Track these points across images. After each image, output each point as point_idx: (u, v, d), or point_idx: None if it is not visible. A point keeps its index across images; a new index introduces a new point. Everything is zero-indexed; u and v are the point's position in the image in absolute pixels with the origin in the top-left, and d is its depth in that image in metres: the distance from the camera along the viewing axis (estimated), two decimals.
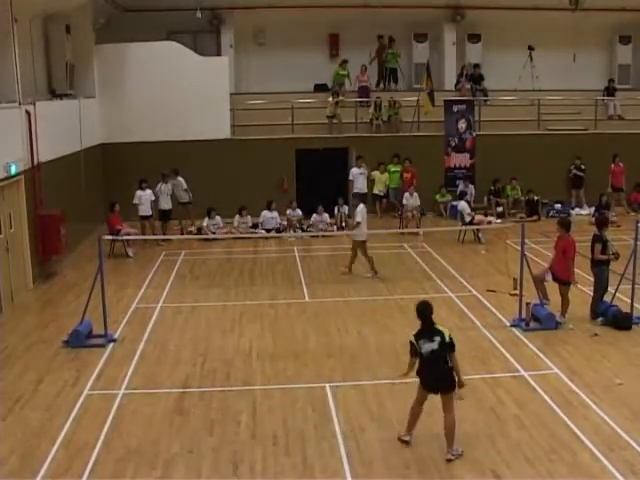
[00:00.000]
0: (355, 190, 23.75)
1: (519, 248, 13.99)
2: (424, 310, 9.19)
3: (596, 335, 13.14)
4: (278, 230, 22.13)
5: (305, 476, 8.71)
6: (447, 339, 8.99)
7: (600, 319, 13.74)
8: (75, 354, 12.65)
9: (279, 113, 24.42)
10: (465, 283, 16.71)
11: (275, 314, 14.87)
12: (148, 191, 21.39)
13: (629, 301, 13.82)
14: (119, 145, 23.59)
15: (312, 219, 22.73)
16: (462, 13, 27.37)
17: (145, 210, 21.33)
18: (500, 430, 9.66)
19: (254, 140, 24.44)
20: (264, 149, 24.20)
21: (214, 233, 21.81)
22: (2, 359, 12.48)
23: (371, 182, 23.99)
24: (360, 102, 25.99)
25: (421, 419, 9.72)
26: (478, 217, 21.32)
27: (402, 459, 8.99)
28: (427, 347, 9.01)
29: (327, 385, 11.19)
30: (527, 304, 13.75)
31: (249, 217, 22.34)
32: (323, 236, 22.06)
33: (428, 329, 9.12)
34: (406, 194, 22.90)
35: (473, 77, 26.99)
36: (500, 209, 24.21)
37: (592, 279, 14.26)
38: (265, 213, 22.43)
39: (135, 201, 21.19)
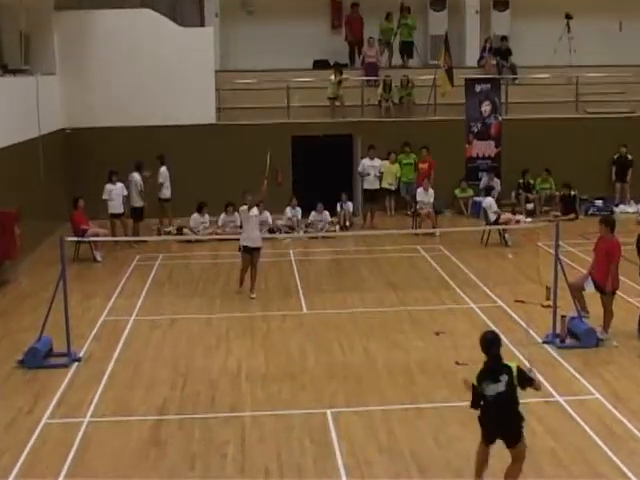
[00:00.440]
0: (365, 186, 23.78)
1: (553, 252, 13.99)
2: (491, 343, 8.65)
3: None
4: (272, 231, 22.08)
5: None
6: (515, 374, 8.47)
7: None
8: (32, 376, 12.62)
9: (272, 94, 24.48)
10: (489, 292, 16.73)
11: (268, 328, 14.88)
12: (119, 185, 21.37)
13: None
14: (84, 130, 23.63)
15: (311, 218, 22.73)
16: None
17: (116, 207, 21.32)
18: (532, 465, 9.59)
19: (243, 125, 24.48)
20: (255, 136, 24.16)
21: (197, 233, 21.80)
22: None
23: (380, 174, 23.94)
24: (367, 81, 26.03)
25: (438, 451, 9.72)
26: (505, 216, 21.36)
27: None
28: (492, 389, 8.48)
29: (328, 411, 11.18)
30: (562, 317, 13.74)
31: (237, 214, 22.31)
32: (323, 237, 22.06)
33: (494, 367, 8.55)
34: (419, 189, 22.91)
35: (499, 51, 27.04)
36: (530, 206, 24.24)
37: None
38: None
39: (104, 196, 21.19)
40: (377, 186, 23.81)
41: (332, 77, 25.02)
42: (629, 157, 25.11)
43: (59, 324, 13.16)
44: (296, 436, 10.50)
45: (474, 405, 8.68)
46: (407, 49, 27.30)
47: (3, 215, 17.40)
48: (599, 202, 24.71)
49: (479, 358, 12.96)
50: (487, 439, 8.74)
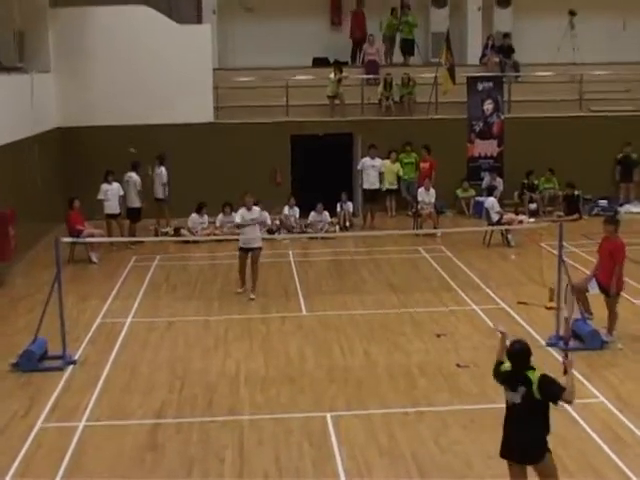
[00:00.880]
0: (365, 186, 23.78)
1: (556, 252, 13.99)
2: (519, 353, 7.97)
3: None
4: (270, 231, 22.08)
5: None
6: (535, 387, 7.74)
7: None
8: (26, 379, 12.62)
9: (271, 92, 24.50)
10: (492, 294, 16.73)
11: (267, 330, 14.87)
12: (115, 185, 21.39)
13: None
14: (80, 129, 23.64)
15: (310, 218, 22.73)
16: None
17: (112, 207, 21.34)
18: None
19: (242, 124, 24.49)
20: (254, 135, 24.23)
21: (195, 234, 21.81)
22: None
23: (380, 174, 23.92)
24: (367, 79, 26.04)
25: (439, 455, 9.72)
26: (507, 216, 21.37)
27: None
28: (510, 396, 7.97)
29: (328, 414, 11.18)
30: (566, 319, 13.71)
31: (234, 215, 22.29)
32: (323, 238, 22.07)
33: (515, 374, 7.94)
34: (421, 189, 22.92)
35: (502, 49, 27.06)
36: (534, 206, 24.23)
37: None
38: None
39: (100, 196, 21.21)
40: (377, 186, 23.81)
41: (332, 75, 25.03)
42: (634, 156, 25.13)
43: (54, 326, 13.16)
44: (295, 440, 10.50)
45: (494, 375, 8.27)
46: (408, 47, 27.29)
47: None
48: (603, 202, 24.69)
49: (480, 360, 13.05)
50: (503, 449, 8.09)
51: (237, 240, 20.48)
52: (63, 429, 10.93)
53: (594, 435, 10.44)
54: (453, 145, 24.39)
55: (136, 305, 16.55)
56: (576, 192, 24.20)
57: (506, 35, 27.33)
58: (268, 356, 13.57)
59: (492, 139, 25.07)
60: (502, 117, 25.05)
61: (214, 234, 21.85)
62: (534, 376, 7.77)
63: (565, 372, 7.95)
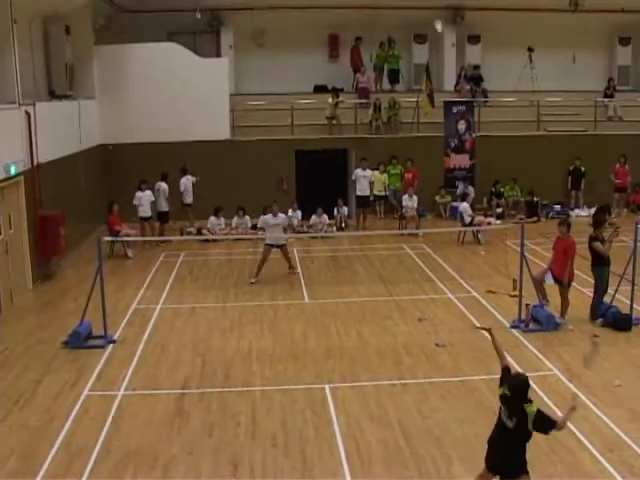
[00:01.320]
0: (357, 193, 23.78)
1: (519, 249, 14.00)
2: (518, 387, 7.23)
3: (596, 336, 13.12)
4: None
5: (305, 477, 8.71)
6: (531, 420, 7.10)
7: (600, 320, 13.75)
8: (75, 355, 12.65)
9: (279, 114, 24.42)
10: (465, 284, 16.72)
11: (275, 315, 14.87)
12: (147, 192, 21.41)
13: (629, 302, 13.83)
14: (119, 146, 23.58)
15: (311, 220, 22.72)
16: (462, 14, 27.34)
17: (145, 211, 21.35)
18: None
19: (254, 141, 24.43)
20: (264, 150, 24.18)
21: (213, 234, 21.81)
22: (1, 360, 12.48)
23: (370, 183, 23.91)
24: (360, 103, 26.00)
25: (421, 421, 9.77)
26: (478, 218, 21.36)
27: (402, 460, 8.99)
28: (504, 417, 7.29)
29: (327, 386, 11.19)
30: (527, 305, 13.76)
31: (247, 218, 22.34)
32: (322, 237, 22.07)
33: (513, 405, 7.20)
34: (405, 196, 22.92)
35: (473, 78, 27.00)
36: (500, 210, 24.21)
37: (592, 280, 14.27)
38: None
39: (135, 202, 21.21)
40: (368, 193, 23.81)
41: (330, 100, 25.01)
42: (582, 169, 25.10)
43: (97, 311, 13.18)
44: (299, 408, 10.52)
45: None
46: (394, 76, 27.26)
47: (50, 218, 17.40)
48: (557, 207, 24.67)
49: (456, 340, 13.11)
50: (487, 460, 7.52)
51: (250, 239, 20.62)
52: (105, 397, 10.96)
53: (548, 401, 10.45)
54: (432, 158, 24.31)
55: (165, 294, 16.54)
56: (535, 198, 24.21)
57: (476, 67, 27.24)
58: (276, 337, 13.58)
59: (465, 153, 25.00)
60: (473, 135, 24.99)
61: (230, 234, 21.89)
62: (530, 410, 7.13)
63: (572, 409, 7.33)
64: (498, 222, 22.80)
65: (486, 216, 22.45)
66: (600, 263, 13.93)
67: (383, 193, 24.39)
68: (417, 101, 24.87)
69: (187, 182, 22.49)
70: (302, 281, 17.41)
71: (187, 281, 17.74)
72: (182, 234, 21.98)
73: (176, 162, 22.70)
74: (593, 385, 11.01)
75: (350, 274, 18.12)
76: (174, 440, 9.60)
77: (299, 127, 24.81)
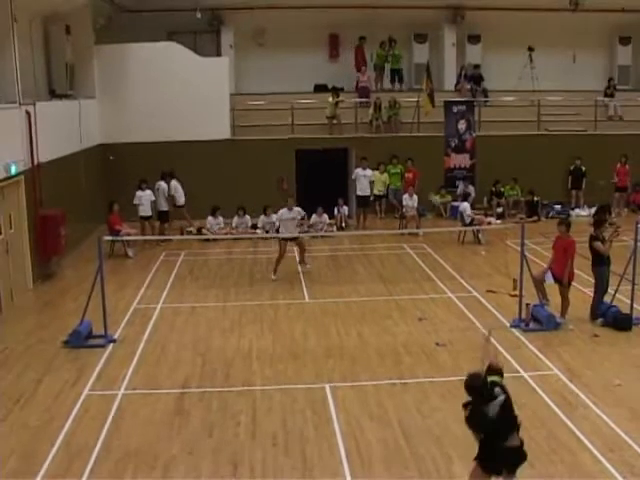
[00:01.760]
0: (358, 192, 23.78)
1: (519, 249, 13.99)
2: (468, 389, 7.37)
3: (596, 336, 13.14)
4: (278, 230, 22.05)
5: (305, 476, 8.70)
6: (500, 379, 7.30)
7: (600, 320, 13.74)
8: (75, 354, 12.65)
9: (279, 113, 24.42)
10: (465, 284, 16.71)
11: (275, 315, 14.86)
12: (148, 191, 21.42)
13: (629, 302, 13.82)
14: (119, 145, 23.58)
15: (312, 220, 22.71)
16: (462, 14, 27.37)
17: (145, 210, 21.36)
18: None
19: (254, 140, 24.43)
20: (264, 149, 24.19)
21: (215, 232, 21.81)
22: (2, 359, 12.48)
23: (370, 183, 23.91)
24: (360, 102, 25.99)
25: (421, 420, 9.77)
26: (478, 218, 21.34)
27: (402, 459, 8.99)
28: (493, 407, 7.19)
29: (327, 386, 11.18)
30: (527, 305, 13.75)
31: (248, 217, 22.35)
32: (322, 237, 22.06)
33: (483, 394, 7.24)
34: (405, 195, 22.92)
35: (473, 78, 27.01)
36: (500, 210, 24.20)
37: (592, 280, 14.26)
38: (262, 218, 22.38)
39: (135, 202, 21.22)
40: (368, 193, 23.81)
41: (330, 99, 25.02)
42: (583, 168, 25.09)
43: (97, 310, 13.17)
44: (299, 407, 10.51)
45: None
46: (398, 75, 27.29)
47: (50, 217, 17.40)
48: (558, 206, 24.67)
49: (456, 340, 13.11)
50: (487, 466, 7.17)
51: (250, 239, 20.63)
52: (105, 396, 10.95)
53: (548, 401, 10.49)
54: (432, 158, 24.32)
55: (165, 293, 16.54)
56: (535, 198, 24.21)
57: (476, 66, 27.25)
58: (276, 336, 13.57)
59: (465, 153, 25.01)
60: (474, 135, 24.99)
61: (231, 233, 21.90)
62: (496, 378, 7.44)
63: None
64: (498, 222, 22.78)
65: (486, 215, 22.44)
66: (600, 263, 13.92)
67: (383, 193, 24.40)
68: (417, 101, 24.86)
69: (177, 184, 22.36)
70: (302, 281, 17.39)
71: (187, 280, 17.73)
72: (182, 233, 21.98)
73: (176, 162, 22.72)
74: (593, 385, 11.01)
75: (350, 274, 18.11)
76: (174, 440, 9.59)
77: (299, 127, 24.80)
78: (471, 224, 20.79)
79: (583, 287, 15.13)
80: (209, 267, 19.03)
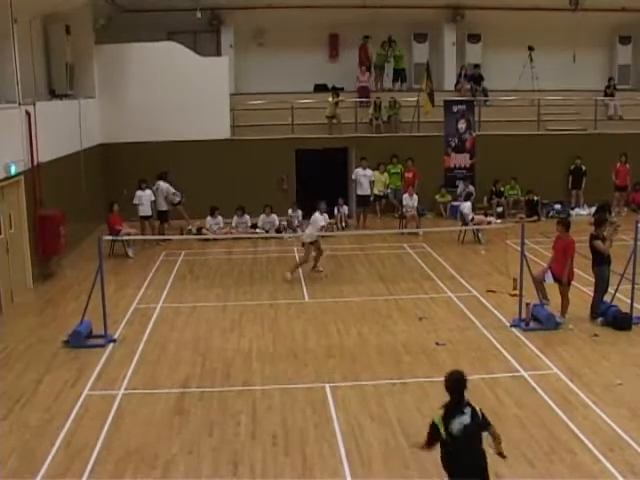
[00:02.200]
0: (358, 192, 23.79)
1: (519, 248, 13.99)
2: (457, 381, 7.34)
3: (596, 335, 13.14)
4: (278, 230, 22.16)
5: (305, 476, 8.71)
6: (479, 414, 7.11)
7: (600, 319, 13.74)
8: (75, 354, 12.64)
9: (279, 113, 24.43)
10: (465, 283, 16.71)
11: (275, 314, 14.86)
12: (148, 191, 21.43)
13: (629, 301, 13.82)
14: (119, 145, 23.59)
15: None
16: (462, 13, 27.39)
17: (145, 210, 21.37)
18: (500, 430, 9.49)
19: (254, 140, 24.44)
20: (264, 149, 24.20)
21: (214, 232, 21.83)
22: (2, 359, 12.48)
23: (371, 183, 23.90)
24: (360, 102, 26.00)
25: (421, 420, 9.76)
26: (478, 217, 21.35)
27: (402, 459, 8.98)
28: (458, 423, 7.00)
29: (327, 385, 11.18)
30: (527, 304, 13.75)
31: (247, 217, 22.36)
32: (322, 236, 22.00)
33: (457, 402, 7.20)
34: (405, 195, 22.92)
35: (473, 77, 27.02)
36: (500, 209, 24.20)
37: (592, 279, 14.26)
38: (262, 217, 22.42)
39: (135, 201, 21.22)
40: (368, 192, 23.81)
41: (330, 99, 25.02)
42: (583, 168, 25.10)
43: (97, 310, 13.17)
44: (299, 407, 10.51)
45: (430, 441, 7.21)
46: (401, 75, 27.34)
47: (50, 217, 17.40)
48: (558, 206, 24.67)
49: (455, 339, 13.11)
50: (462, 474, 7.04)
51: (250, 239, 20.66)
52: (105, 396, 10.96)
53: (548, 400, 10.49)
54: (432, 158, 24.32)
55: (165, 293, 16.54)
56: (535, 197, 24.22)
57: (476, 66, 27.26)
58: (276, 336, 13.57)
59: (465, 153, 24.99)
60: (473, 134, 24.98)
61: (230, 233, 21.91)
62: (477, 407, 7.19)
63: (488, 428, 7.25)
64: (498, 221, 22.76)
65: (486, 215, 22.43)
66: (601, 262, 13.91)
67: (383, 193, 24.39)
68: (417, 100, 24.87)
69: (166, 186, 22.26)
70: (302, 280, 17.38)
71: (187, 280, 17.73)
72: (182, 233, 21.98)
73: (176, 161, 22.75)
74: (593, 384, 11.01)
75: (350, 273, 18.11)
76: (174, 439, 9.59)
77: (299, 126, 24.80)
78: (471, 222, 20.82)
79: (583, 286, 15.13)
80: (209, 267, 19.02)
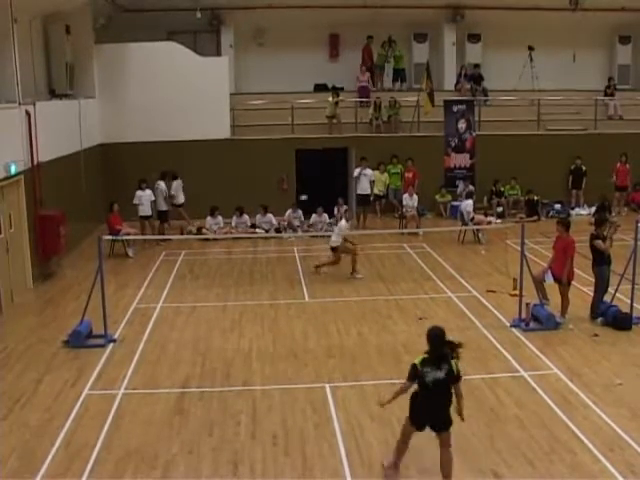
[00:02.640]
0: (358, 192, 23.79)
1: (519, 248, 13.99)
2: (436, 336, 8.36)
3: (596, 335, 13.15)
4: (278, 230, 22.18)
5: (305, 476, 8.71)
6: (455, 370, 8.12)
7: (600, 319, 13.75)
8: (75, 354, 12.64)
9: (279, 113, 24.42)
10: (465, 283, 16.70)
11: (275, 314, 14.86)
12: (148, 191, 21.43)
13: (629, 301, 13.82)
14: (119, 145, 23.60)
15: (312, 219, 22.72)
16: (462, 13, 27.39)
17: (145, 210, 21.36)
18: (500, 430, 9.67)
19: (254, 140, 24.44)
20: (264, 149, 24.21)
21: (214, 232, 21.84)
22: (2, 359, 12.48)
23: (371, 182, 23.90)
24: (360, 102, 26.01)
25: None
26: (478, 217, 21.34)
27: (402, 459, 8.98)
28: (432, 376, 8.10)
29: (327, 385, 11.18)
30: (527, 304, 13.75)
31: (246, 217, 22.38)
32: (322, 236, 22.04)
33: (437, 356, 8.19)
34: (405, 195, 22.93)
35: (473, 77, 27.03)
36: (500, 209, 24.21)
37: (592, 279, 14.27)
38: (258, 217, 22.44)
39: (135, 201, 21.22)
40: (369, 192, 23.81)
41: (330, 99, 25.04)
42: (583, 168, 25.11)
43: (97, 310, 13.17)
44: (299, 406, 10.51)
45: (410, 378, 8.29)
46: (401, 75, 27.35)
47: (50, 217, 17.40)
48: (558, 206, 24.69)
49: (456, 340, 13.03)
50: (417, 423, 8.35)
51: (250, 239, 20.67)
52: (105, 396, 10.96)
53: (548, 400, 10.50)
54: (432, 158, 24.32)
55: (165, 293, 16.53)
56: (535, 197, 24.22)
57: (476, 66, 27.27)
58: (276, 336, 13.57)
59: (465, 153, 24.99)
60: (473, 134, 24.98)
61: (230, 232, 21.93)
62: (454, 362, 8.16)
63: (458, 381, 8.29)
64: (498, 221, 22.76)
65: (486, 215, 22.42)
66: (601, 262, 13.91)
67: (383, 192, 24.40)
68: (417, 100, 24.87)
69: (178, 184, 22.41)
70: (302, 280, 17.39)
71: (187, 280, 17.73)
72: (182, 233, 21.98)
73: (176, 161, 22.74)
74: (593, 384, 11.01)
75: (350, 273, 18.08)
76: (174, 439, 9.59)
77: (299, 126, 24.80)
78: (471, 221, 20.82)
79: (583, 286, 15.14)
80: (209, 267, 19.01)
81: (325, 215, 22.66)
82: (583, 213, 24.17)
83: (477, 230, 20.78)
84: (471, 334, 13.30)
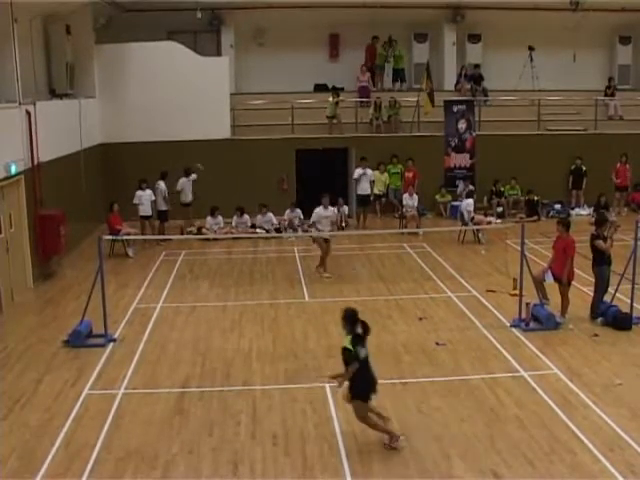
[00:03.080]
0: (358, 192, 23.79)
1: (519, 248, 13.98)
2: (351, 316, 9.45)
3: (596, 335, 13.14)
4: (278, 230, 22.17)
5: (305, 476, 8.70)
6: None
7: (600, 319, 13.74)
8: (75, 354, 12.65)
9: (279, 113, 24.41)
10: (465, 283, 16.70)
11: (275, 314, 14.86)
12: (148, 191, 21.43)
13: (629, 301, 13.81)
14: (119, 145, 23.59)
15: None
16: (462, 13, 27.38)
17: (145, 210, 21.37)
18: (500, 430, 9.66)
19: (254, 140, 24.44)
20: (264, 149, 24.20)
21: (214, 232, 21.83)
22: (2, 359, 12.48)
23: (371, 182, 23.90)
24: (360, 102, 26.00)
25: (421, 419, 9.76)
26: (478, 217, 21.35)
27: (402, 458, 8.99)
28: (363, 353, 9.22)
29: (327, 385, 11.14)
30: (527, 304, 13.75)
31: (247, 217, 22.37)
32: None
33: (359, 335, 9.35)
34: (405, 195, 22.92)
35: (473, 77, 27.02)
36: (500, 209, 24.21)
37: (592, 279, 14.26)
38: (259, 217, 22.43)
39: (135, 201, 21.22)
40: (369, 192, 23.80)
41: (330, 99, 25.03)
42: (583, 168, 25.11)
43: (97, 310, 13.17)
44: (299, 406, 10.52)
45: (353, 360, 9.12)
46: (400, 75, 27.33)
47: (50, 217, 17.40)
48: (558, 206, 24.69)
49: (455, 339, 13.11)
50: (368, 397, 9.15)
51: (249, 238, 20.62)
52: (105, 396, 10.96)
53: (548, 400, 10.49)
54: (433, 158, 24.33)
55: (165, 292, 16.54)
56: (535, 197, 24.22)
57: (477, 66, 27.26)
58: (276, 336, 13.57)
59: (465, 153, 24.98)
60: (474, 134, 24.98)
61: (231, 232, 21.92)
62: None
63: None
64: (498, 221, 22.75)
65: (486, 215, 22.42)
66: (601, 262, 13.91)
67: (382, 192, 24.40)
68: (417, 100, 24.86)
69: (186, 182, 22.46)
70: (302, 280, 17.39)
71: (187, 280, 17.73)
72: (182, 233, 21.98)
73: (176, 161, 22.70)
74: (593, 384, 11.01)
75: (350, 273, 18.10)
76: (174, 439, 9.59)
77: (299, 126, 24.80)
78: (471, 221, 20.81)
79: (583, 286, 15.13)
80: (209, 267, 19.02)
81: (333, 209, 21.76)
82: (583, 213, 24.18)
83: (477, 230, 20.77)
84: (471, 334, 13.31)
